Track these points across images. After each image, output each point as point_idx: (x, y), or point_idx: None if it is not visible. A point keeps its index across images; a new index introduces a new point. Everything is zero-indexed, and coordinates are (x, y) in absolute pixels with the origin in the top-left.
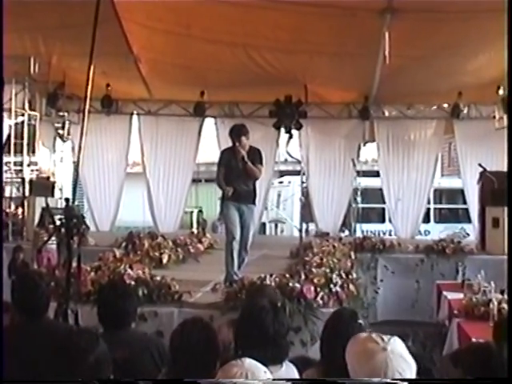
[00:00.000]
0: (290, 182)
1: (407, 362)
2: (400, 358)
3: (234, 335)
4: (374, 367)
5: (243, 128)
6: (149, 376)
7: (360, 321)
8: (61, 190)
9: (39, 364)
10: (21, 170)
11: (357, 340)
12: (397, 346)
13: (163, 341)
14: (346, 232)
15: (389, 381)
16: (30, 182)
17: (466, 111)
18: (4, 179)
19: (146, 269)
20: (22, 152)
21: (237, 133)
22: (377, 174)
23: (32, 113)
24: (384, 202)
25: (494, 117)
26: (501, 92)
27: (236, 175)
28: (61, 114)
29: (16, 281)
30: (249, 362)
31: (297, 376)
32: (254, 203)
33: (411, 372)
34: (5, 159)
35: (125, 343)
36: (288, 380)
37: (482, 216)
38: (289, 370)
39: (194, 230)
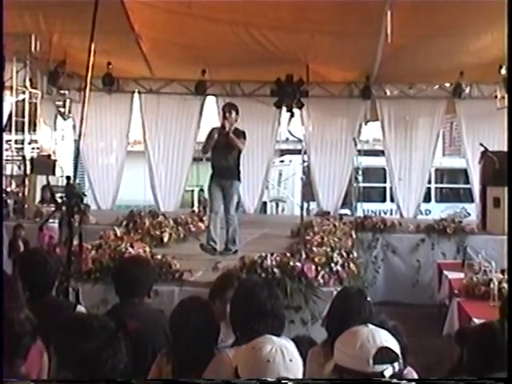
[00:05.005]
0: (291, 161)
1: (390, 335)
2: (382, 332)
3: (230, 314)
4: (362, 339)
5: (234, 105)
6: (159, 349)
7: (368, 298)
8: (62, 168)
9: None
10: (22, 148)
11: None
12: (379, 327)
13: None
14: (347, 211)
15: (391, 380)
16: (31, 160)
17: (467, 91)
18: (5, 157)
19: (146, 247)
20: (23, 130)
21: (228, 108)
22: (378, 153)
23: (33, 91)
24: (385, 182)
25: (496, 96)
26: (503, 71)
27: (220, 151)
28: (62, 92)
29: (25, 257)
30: (276, 338)
31: (296, 353)
32: (237, 179)
33: (395, 345)
34: (6, 137)
35: (139, 314)
36: (292, 380)
37: (483, 196)
38: None
39: (195, 208)
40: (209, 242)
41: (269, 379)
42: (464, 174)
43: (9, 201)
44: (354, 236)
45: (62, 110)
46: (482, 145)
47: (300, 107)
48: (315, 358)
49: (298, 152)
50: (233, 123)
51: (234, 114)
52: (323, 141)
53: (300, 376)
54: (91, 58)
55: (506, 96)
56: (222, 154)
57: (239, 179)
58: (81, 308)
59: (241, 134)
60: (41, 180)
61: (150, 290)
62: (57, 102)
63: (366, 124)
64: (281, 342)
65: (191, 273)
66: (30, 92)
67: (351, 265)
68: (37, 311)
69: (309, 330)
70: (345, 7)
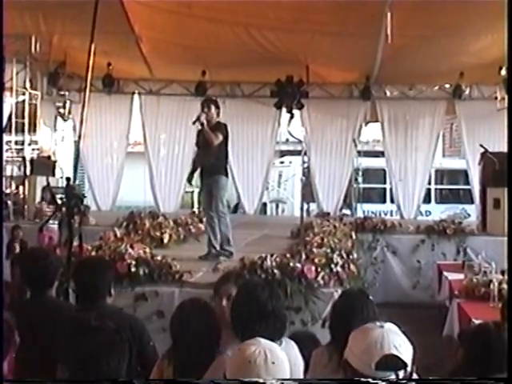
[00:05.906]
0: (291, 162)
1: (403, 339)
2: (396, 334)
3: (231, 314)
4: (369, 341)
5: (213, 100)
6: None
7: (370, 297)
8: (61, 169)
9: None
10: (22, 149)
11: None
12: (393, 327)
13: (138, 318)
14: (348, 211)
15: (392, 380)
16: (31, 161)
17: (467, 92)
18: (5, 158)
19: (146, 248)
20: (23, 131)
21: (206, 104)
22: (378, 154)
23: (33, 92)
24: (385, 182)
25: (496, 97)
26: (503, 72)
27: (202, 149)
28: (62, 93)
29: (26, 253)
30: (264, 340)
31: (297, 353)
32: (223, 174)
33: (407, 350)
34: (6, 138)
35: (100, 317)
36: (294, 380)
37: (482, 197)
38: (289, 347)
39: (195, 209)
40: (210, 250)
41: (253, 379)
42: (464, 175)
43: (9, 202)
44: (354, 237)
45: (61, 110)
46: (482, 146)
47: (300, 108)
48: (319, 358)
49: (298, 153)
50: (212, 117)
51: (212, 108)
52: (323, 142)
53: None
54: (91, 59)
55: (506, 97)
56: (205, 152)
57: (226, 174)
58: None
59: (220, 127)
60: (41, 181)
61: (110, 290)
62: (57, 103)
63: (366, 125)
64: (268, 344)
65: (191, 274)
66: (30, 93)
67: (351, 266)
68: (36, 311)
69: (309, 330)
70: (345, 8)
